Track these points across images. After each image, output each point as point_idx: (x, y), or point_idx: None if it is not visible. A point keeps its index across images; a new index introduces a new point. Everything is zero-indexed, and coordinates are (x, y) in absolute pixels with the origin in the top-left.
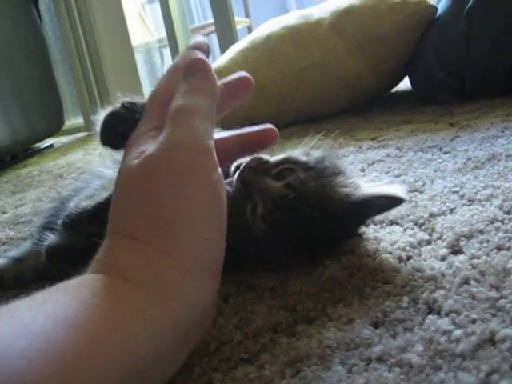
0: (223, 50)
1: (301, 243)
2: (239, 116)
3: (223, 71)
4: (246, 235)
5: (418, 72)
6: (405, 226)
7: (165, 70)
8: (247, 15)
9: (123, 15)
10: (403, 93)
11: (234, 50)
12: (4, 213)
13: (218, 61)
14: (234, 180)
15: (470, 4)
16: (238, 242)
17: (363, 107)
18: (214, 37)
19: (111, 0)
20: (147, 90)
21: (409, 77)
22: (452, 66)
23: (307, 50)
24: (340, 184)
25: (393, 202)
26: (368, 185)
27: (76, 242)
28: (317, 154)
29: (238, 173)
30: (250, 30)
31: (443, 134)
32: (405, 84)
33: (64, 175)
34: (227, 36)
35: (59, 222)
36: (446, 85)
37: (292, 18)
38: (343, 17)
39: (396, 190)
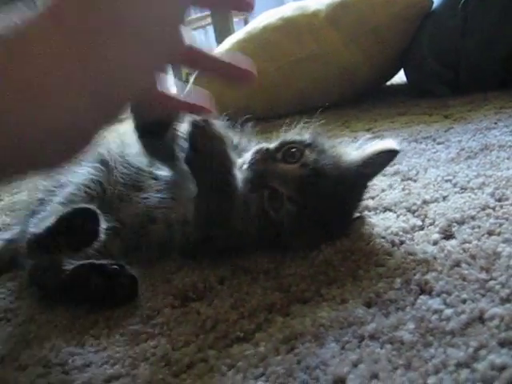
0: (220, 42)
1: (325, 218)
2: (234, 106)
3: None
4: (264, 225)
5: (413, 64)
6: (398, 213)
7: None
8: None
9: None
10: (398, 86)
11: (230, 41)
12: (0, 200)
13: (214, 51)
14: (245, 175)
15: None
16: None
17: (359, 99)
18: (211, 29)
19: None
20: None
21: (404, 69)
22: (447, 57)
23: (303, 41)
24: (341, 153)
25: (390, 155)
26: (360, 151)
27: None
28: (307, 134)
29: (246, 167)
30: (246, 22)
31: (437, 125)
32: (400, 77)
33: None
34: (223, 28)
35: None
36: (441, 76)
37: (288, 9)
38: (339, 9)
39: (388, 143)
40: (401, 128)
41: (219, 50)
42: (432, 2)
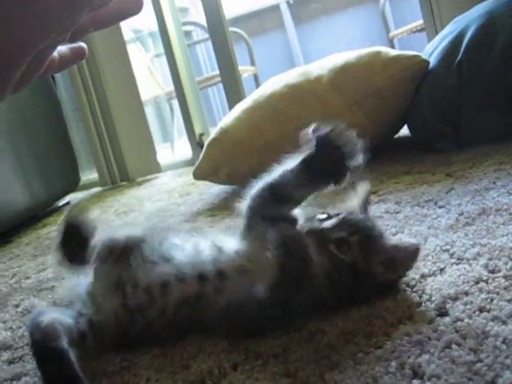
0: (229, 98)
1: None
2: (245, 172)
3: (230, 130)
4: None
5: (415, 122)
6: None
7: (175, 121)
8: (252, 63)
9: (132, 72)
10: (403, 139)
11: (238, 109)
12: (27, 278)
13: (224, 120)
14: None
15: (459, 58)
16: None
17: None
18: (221, 86)
19: (120, 58)
20: (159, 142)
21: (407, 126)
22: (447, 115)
23: (308, 106)
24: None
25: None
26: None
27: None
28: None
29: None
30: (255, 77)
31: (439, 186)
32: (405, 128)
33: None
34: (233, 85)
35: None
36: (443, 133)
37: (292, 75)
38: (341, 73)
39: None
40: (405, 190)
41: (229, 117)
42: (428, 63)
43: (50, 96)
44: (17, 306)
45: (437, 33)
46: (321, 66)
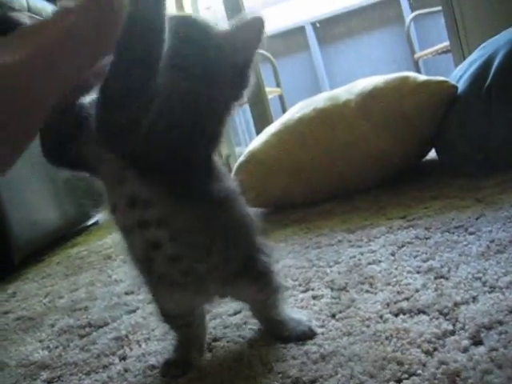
0: (256, 120)
1: None
2: (274, 195)
3: (258, 154)
4: None
5: (443, 146)
6: (431, 316)
7: None
8: (278, 84)
9: None
10: (431, 163)
11: (267, 133)
12: (60, 298)
13: (253, 143)
14: None
15: (488, 83)
16: None
17: (394, 181)
18: (247, 108)
19: None
20: None
21: (435, 150)
22: (475, 139)
23: (337, 131)
24: None
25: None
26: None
27: None
28: None
29: None
30: (281, 98)
31: (469, 211)
32: (433, 152)
33: (112, 256)
34: (260, 107)
35: None
36: (471, 158)
37: (320, 100)
38: (368, 98)
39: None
40: (434, 215)
41: (257, 141)
42: (456, 88)
43: None
44: (52, 325)
45: (463, 55)
46: (349, 91)
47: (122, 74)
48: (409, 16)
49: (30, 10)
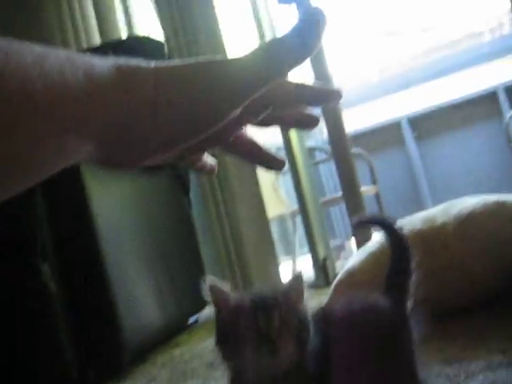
0: (351, 214)
1: None
2: None
3: (356, 273)
4: None
5: None
6: None
7: (296, 238)
8: (374, 182)
9: (259, 189)
10: None
11: (365, 252)
12: None
13: (350, 262)
14: None
15: None
16: None
17: (493, 303)
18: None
19: (249, 176)
20: (281, 256)
21: None
22: None
23: (433, 253)
24: None
25: None
26: None
27: None
28: None
29: None
30: (377, 196)
31: None
32: None
33: (214, 363)
34: (356, 207)
35: None
36: None
37: (417, 220)
38: (466, 222)
39: None
40: None
41: (355, 259)
42: None
43: (185, 217)
44: None
45: None
46: (445, 212)
47: None
48: (509, 112)
49: None
